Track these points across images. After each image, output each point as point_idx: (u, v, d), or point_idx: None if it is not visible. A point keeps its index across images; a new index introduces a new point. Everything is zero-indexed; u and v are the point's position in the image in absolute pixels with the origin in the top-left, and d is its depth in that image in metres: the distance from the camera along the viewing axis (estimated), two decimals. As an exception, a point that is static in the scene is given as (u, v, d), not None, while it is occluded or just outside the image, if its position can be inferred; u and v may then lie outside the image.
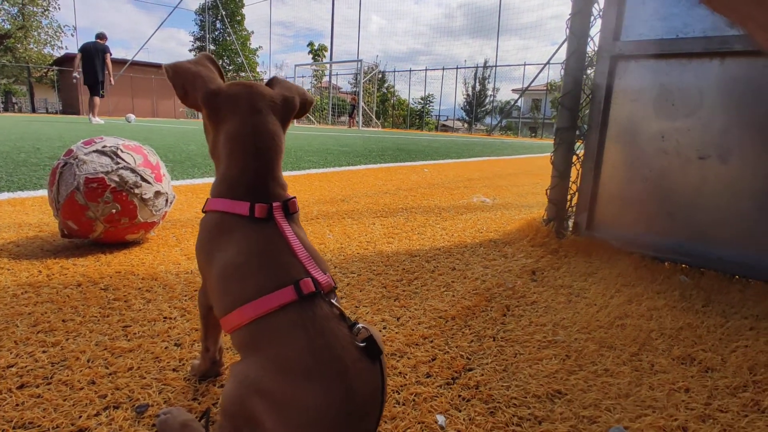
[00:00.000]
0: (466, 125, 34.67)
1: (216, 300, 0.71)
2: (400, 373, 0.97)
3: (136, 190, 1.58)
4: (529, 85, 22.81)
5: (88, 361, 0.93)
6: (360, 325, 0.69)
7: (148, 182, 1.62)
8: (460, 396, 0.90)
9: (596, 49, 1.95)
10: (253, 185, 0.74)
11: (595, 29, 1.96)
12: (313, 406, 0.61)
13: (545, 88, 28.71)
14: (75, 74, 11.25)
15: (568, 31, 1.98)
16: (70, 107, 28.22)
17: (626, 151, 1.92)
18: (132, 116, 12.16)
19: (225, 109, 0.77)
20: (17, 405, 0.78)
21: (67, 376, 0.87)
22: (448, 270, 1.63)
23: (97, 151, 1.56)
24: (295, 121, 0.96)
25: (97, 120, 11.65)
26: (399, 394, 0.89)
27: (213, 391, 0.85)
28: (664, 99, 1.81)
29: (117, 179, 1.54)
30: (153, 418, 0.77)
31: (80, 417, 0.76)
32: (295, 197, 0.78)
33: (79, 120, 14.75)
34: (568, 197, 2.08)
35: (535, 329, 1.20)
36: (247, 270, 0.68)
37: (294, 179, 3.66)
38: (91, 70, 10.88)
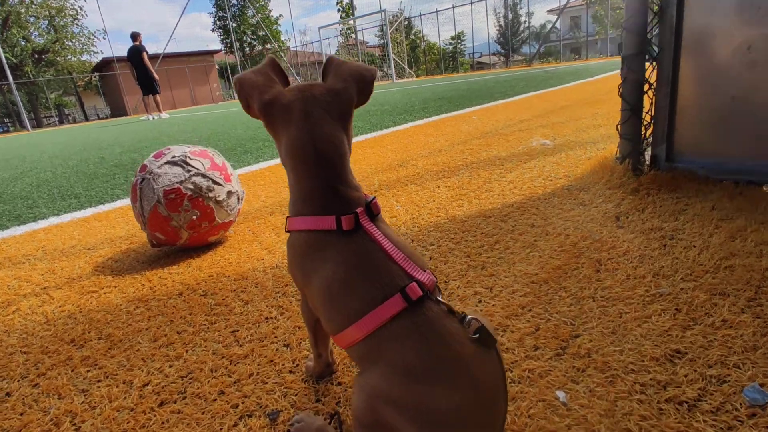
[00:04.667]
0: (502, 59, 32.80)
1: (324, 319, 0.73)
2: (507, 349, 0.96)
3: (210, 194, 1.63)
4: (567, 3, 20.97)
5: (211, 371, 1.00)
6: (470, 317, 0.68)
7: (220, 184, 1.67)
8: (574, 367, 0.89)
9: (662, -43, 1.73)
10: (329, 197, 0.73)
11: (659, -65, 1.73)
12: (445, 408, 0.62)
13: (584, 2, 26.33)
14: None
15: (626, -57, 1.76)
16: (117, 110, 29.56)
17: (706, 70, 1.72)
18: (162, 114, 12.54)
19: (280, 118, 0.74)
20: (163, 423, 0.86)
21: (198, 388, 0.95)
22: (528, 228, 1.58)
23: (168, 162, 1.62)
24: None
25: (164, 115, 12.51)
26: (512, 372, 0.89)
27: (333, 390, 0.90)
28: (748, 3, 1.59)
29: (192, 187, 1.60)
30: (286, 424, 0.82)
31: (221, 429, 0.83)
32: (374, 198, 0.76)
33: (129, 121, 15.43)
34: (642, 130, 1.92)
35: (634, 283, 1.15)
36: (350, 286, 0.68)
37: (344, 150, 3.64)
38: (140, 70, 11.48)
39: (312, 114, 0.73)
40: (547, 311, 1.08)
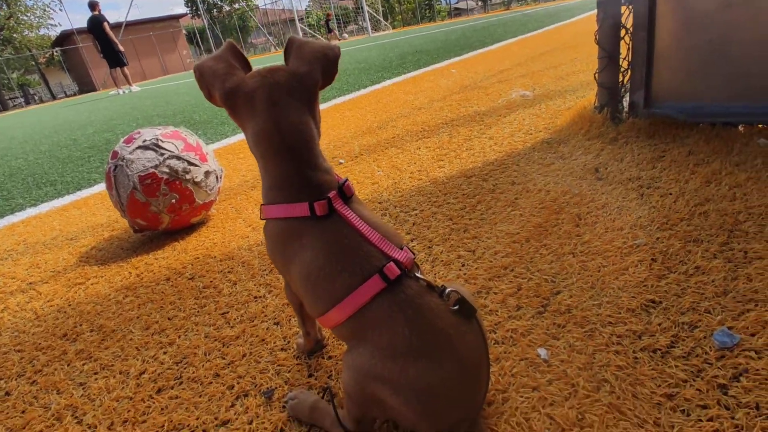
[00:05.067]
0: (480, 3, 31.73)
1: (307, 303, 0.74)
2: (491, 311, 0.99)
3: (188, 176, 1.60)
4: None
5: (204, 355, 1.02)
6: (449, 289, 0.69)
7: (196, 165, 1.64)
8: (554, 324, 0.92)
9: None
10: (300, 183, 0.72)
11: None
12: (430, 381, 0.64)
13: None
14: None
15: None
16: (85, 85, 28.30)
17: (683, 13, 1.69)
18: (132, 87, 11.95)
19: (244, 107, 0.72)
20: (162, 409, 0.89)
21: (193, 373, 0.97)
22: (508, 186, 1.59)
23: (140, 147, 1.57)
24: None
25: (135, 88, 11.98)
26: (496, 333, 0.93)
27: (324, 364, 0.92)
28: (725, -64, 1.54)
29: (167, 170, 1.56)
30: (281, 401, 0.85)
31: (219, 410, 0.86)
32: (347, 180, 0.75)
33: (99, 97, 14.85)
34: (620, 77, 1.90)
35: (613, 236, 1.18)
36: (329, 271, 0.68)
37: (323, 114, 3.57)
38: (102, 42, 10.87)
39: (277, 101, 0.70)
40: (528, 270, 1.11)
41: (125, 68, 11.70)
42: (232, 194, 2.09)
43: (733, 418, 0.68)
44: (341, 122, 3.16)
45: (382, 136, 2.57)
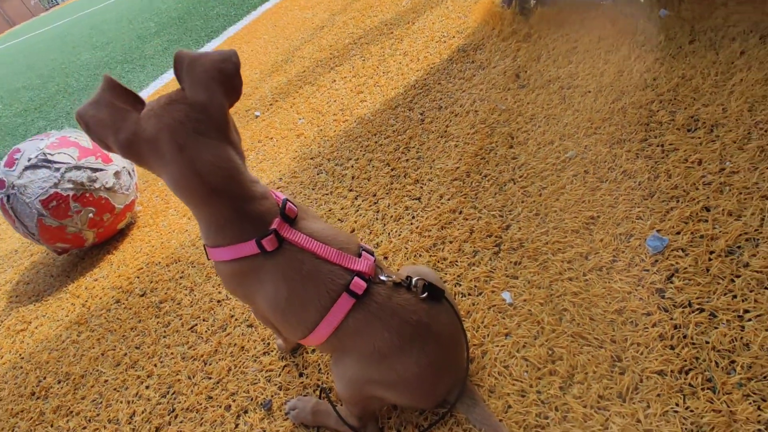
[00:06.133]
0: None
1: (282, 330, 0.73)
2: (451, 262, 1.04)
3: (96, 185, 1.44)
4: None
5: (189, 378, 1.02)
6: (415, 279, 0.72)
7: (101, 169, 1.47)
8: (511, 263, 0.99)
9: None
10: (240, 220, 0.67)
11: None
12: (416, 370, 0.69)
13: None
14: None
15: None
16: None
17: None
18: None
19: (149, 156, 0.63)
20: (169, 447, 0.90)
21: (185, 402, 0.97)
22: (436, 112, 1.56)
23: (27, 168, 1.37)
24: None
25: None
26: (461, 285, 0.98)
27: (311, 359, 0.95)
28: None
29: (70, 185, 1.39)
30: (281, 410, 0.88)
31: (225, 434, 0.88)
32: (287, 199, 0.70)
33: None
34: (522, -39, 1.81)
35: (546, 152, 1.22)
36: (297, 301, 0.67)
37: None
38: None
39: (185, 145, 0.62)
40: (476, 208, 1.15)
41: None
42: (152, 180, 1.92)
43: (671, 319, 0.79)
44: (244, 61, 2.86)
45: (292, 73, 2.38)
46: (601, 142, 1.17)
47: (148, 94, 3.05)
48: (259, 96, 2.26)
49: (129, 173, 1.59)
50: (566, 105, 1.35)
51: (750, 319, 0.74)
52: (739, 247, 0.84)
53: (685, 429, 0.66)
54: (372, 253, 0.74)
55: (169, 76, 3.22)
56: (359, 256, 0.71)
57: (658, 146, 1.10)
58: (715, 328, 0.75)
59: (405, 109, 1.65)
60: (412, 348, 0.69)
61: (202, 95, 0.63)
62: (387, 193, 1.31)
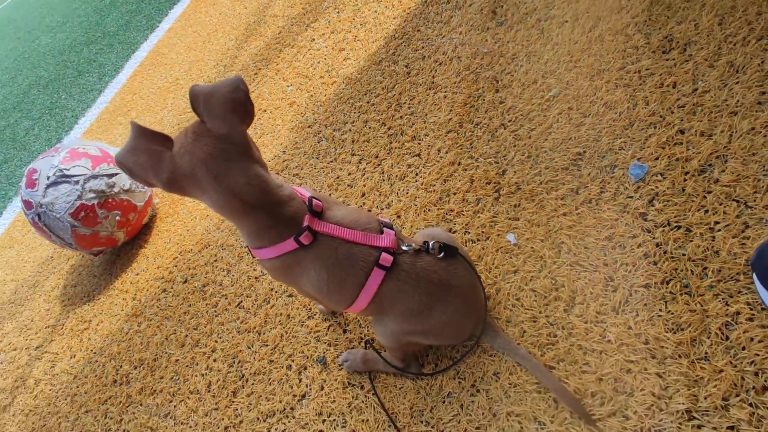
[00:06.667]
0: None
1: (326, 304, 0.87)
2: (458, 213, 1.16)
3: (115, 189, 1.53)
4: None
5: (249, 348, 1.18)
6: (432, 243, 0.84)
7: (115, 173, 1.55)
8: (511, 206, 1.10)
9: None
10: (277, 224, 0.77)
11: None
12: (444, 319, 0.84)
13: None
14: None
15: None
16: None
17: None
18: None
19: (190, 187, 0.73)
20: (249, 406, 1.08)
21: (250, 367, 1.14)
22: (419, 61, 1.60)
23: (49, 186, 1.46)
24: None
25: None
26: (470, 233, 1.11)
27: (350, 317, 1.11)
28: None
29: (93, 195, 1.49)
30: (336, 362, 1.05)
31: (292, 389, 1.06)
32: (312, 196, 0.80)
33: None
34: None
35: (530, 93, 1.29)
36: (337, 281, 0.80)
37: (185, 26, 3.11)
38: None
39: (219, 173, 0.71)
40: (472, 158, 1.24)
41: None
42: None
43: (654, 238, 0.92)
44: (213, 29, 2.80)
45: (268, 35, 2.35)
46: (582, 76, 1.24)
47: (126, 77, 3.01)
48: (241, 66, 2.25)
49: (140, 170, 1.67)
50: (545, 39, 1.39)
51: (720, 230, 0.87)
52: (710, 165, 0.95)
53: (667, 329, 0.81)
54: (391, 227, 0.85)
55: (142, 54, 3.15)
56: (381, 232, 0.83)
57: (635, 73, 1.17)
58: (690, 241, 0.88)
59: (389, 63, 1.69)
60: (439, 302, 0.83)
61: (224, 128, 0.71)
62: (388, 153, 1.40)
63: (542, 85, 1.28)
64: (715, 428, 0.71)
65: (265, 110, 1.90)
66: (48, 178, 1.46)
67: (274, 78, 2.03)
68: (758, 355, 0.73)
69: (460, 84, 1.44)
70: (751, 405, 0.70)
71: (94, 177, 1.50)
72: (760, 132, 0.94)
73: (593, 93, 1.19)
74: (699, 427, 0.72)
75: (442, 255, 0.84)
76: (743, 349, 0.75)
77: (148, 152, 0.71)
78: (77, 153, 1.53)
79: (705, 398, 0.73)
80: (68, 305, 1.67)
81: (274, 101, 1.91)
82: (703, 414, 0.72)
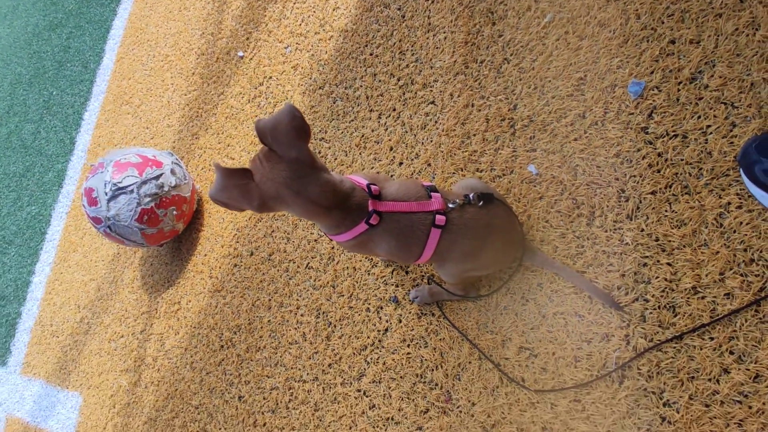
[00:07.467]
0: None
1: (397, 260, 1.07)
2: (480, 153, 1.31)
3: (165, 189, 1.69)
4: None
5: (328, 300, 1.42)
6: (471, 195, 1.01)
7: (160, 174, 1.70)
8: (527, 138, 1.25)
9: None
10: (350, 214, 0.94)
11: None
12: (495, 253, 1.04)
13: None
14: None
15: None
16: None
17: None
18: None
19: (279, 206, 0.90)
20: (343, 345, 1.34)
21: (334, 316, 1.39)
22: (411, 1, 1.63)
23: (110, 200, 1.62)
24: None
25: None
26: (495, 170, 1.27)
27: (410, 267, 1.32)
28: None
29: (149, 198, 1.65)
30: (407, 299, 1.28)
31: (375, 325, 1.30)
32: (369, 183, 0.96)
33: None
34: None
35: (526, 21, 1.36)
36: (404, 245, 0.99)
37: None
38: None
39: (299, 190, 0.87)
40: (483, 97, 1.36)
41: None
42: (193, 164, 2.13)
43: (655, 149, 1.07)
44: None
45: (245, -9, 2.31)
46: (573, -4, 1.30)
47: (112, 61, 2.99)
48: (230, 32, 2.26)
49: (177, 164, 1.81)
50: (532, -42, 1.41)
51: (711, 133, 1.02)
52: (700, 72, 1.07)
53: (673, 226, 1.00)
54: (436, 189, 1.02)
55: (118, 33, 3.08)
56: (429, 197, 1.00)
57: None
58: (687, 147, 1.04)
59: (382, 8, 1.71)
60: (486, 242, 1.02)
61: (293, 153, 0.86)
62: (404, 105, 1.51)
63: (536, 12, 1.35)
64: (714, 297, 0.93)
65: (269, 77, 1.97)
66: (106, 194, 1.62)
67: (268, 40, 2.05)
68: (746, 235, 0.93)
69: (456, 21, 1.49)
70: (741, 275, 0.91)
71: (144, 183, 1.65)
72: (743, 32, 1.04)
73: (586, 12, 1.26)
74: (702, 297, 0.94)
75: (481, 203, 1.01)
76: (734, 232, 0.94)
77: (238, 187, 0.87)
78: (121, 165, 1.66)
79: (706, 275, 0.94)
80: (153, 292, 1.92)
81: (275, 66, 1.97)
82: (705, 287, 0.94)
